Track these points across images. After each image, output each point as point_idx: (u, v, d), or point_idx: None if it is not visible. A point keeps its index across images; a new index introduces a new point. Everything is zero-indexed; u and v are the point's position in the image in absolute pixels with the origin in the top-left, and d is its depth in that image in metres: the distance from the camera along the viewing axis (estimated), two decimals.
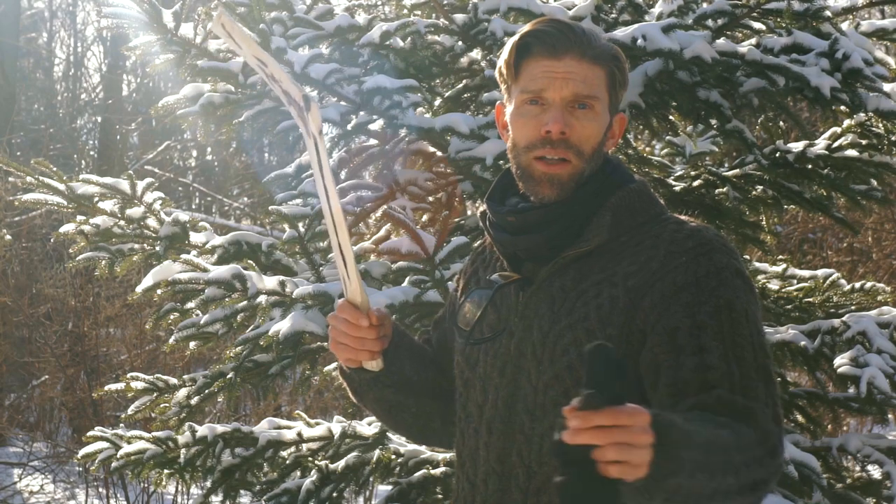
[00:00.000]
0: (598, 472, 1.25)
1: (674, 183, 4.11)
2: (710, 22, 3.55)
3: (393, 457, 3.74)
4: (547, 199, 1.63)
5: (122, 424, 4.89)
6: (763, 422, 1.47)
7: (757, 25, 3.72)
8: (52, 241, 9.14)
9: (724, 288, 1.54)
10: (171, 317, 3.46)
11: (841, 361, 3.52)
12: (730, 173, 4.03)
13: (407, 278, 3.32)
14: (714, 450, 1.37)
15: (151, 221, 3.55)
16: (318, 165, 1.58)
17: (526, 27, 1.66)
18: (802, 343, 3.72)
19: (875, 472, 3.93)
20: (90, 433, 3.78)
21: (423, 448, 3.83)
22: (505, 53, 1.68)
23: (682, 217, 1.68)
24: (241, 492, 3.86)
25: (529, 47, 1.64)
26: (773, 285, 4.28)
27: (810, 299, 4.17)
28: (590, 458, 1.25)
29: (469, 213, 3.94)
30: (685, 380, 1.49)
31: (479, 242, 1.88)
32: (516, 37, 1.66)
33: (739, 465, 1.40)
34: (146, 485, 7.24)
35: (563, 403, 1.50)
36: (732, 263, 1.57)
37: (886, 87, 3.56)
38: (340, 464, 3.71)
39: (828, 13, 3.59)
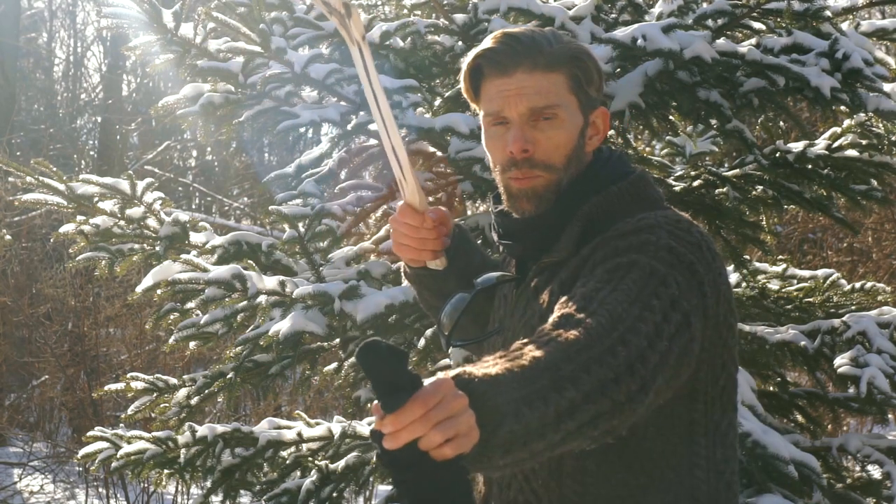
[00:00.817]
0: (434, 460, 1.16)
1: (674, 183, 4.11)
2: (710, 22, 3.55)
3: None
4: (527, 213, 1.64)
5: (122, 424, 4.89)
6: (598, 327, 1.36)
7: (757, 25, 3.72)
8: (52, 241, 9.13)
9: (646, 257, 1.47)
10: (171, 317, 3.46)
11: (841, 361, 3.52)
12: (730, 173, 4.03)
13: None
14: (532, 375, 1.26)
15: (151, 221, 3.55)
16: (364, 72, 1.53)
17: (478, 48, 1.64)
18: (802, 343, 3.72)
19: (875, 472, 3.93)
20: (90, 433, 3.78)
21: None
22: (461, 79, 1.67)
23: (662, 213, 1.62)
24: (241, 492, 3.86)
25: (481, 69, 1.63)
26: (773, 285, 4.28)
27: (810, 299, 4.18)
28: (419, 452, 1.15)
29: (469, 213, 3.95)
30: (577, 295, 1.44)
31: (458, 303, 1.89)
32: (469, 59, 1.64)
33: (574, 374, 1.29)
34: (146, 485, 7.24)
35: None
36: (663, 241, 1.50)
37: (886, 87, 3.56)
38: (340, 464, 3.71)
39: (828, 13, 3.60)
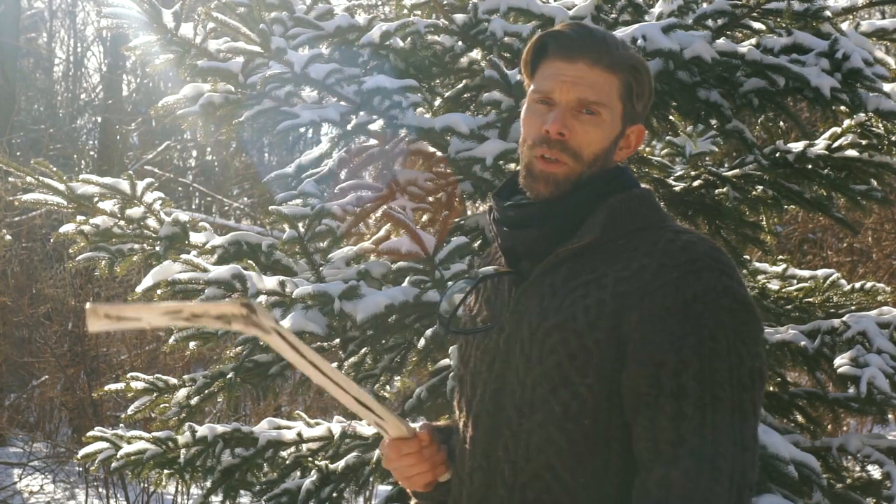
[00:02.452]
0: None
1: (674, 183, 4.11)
2: (710, 22, 3.55)
3: None
4: (541, 196, 1.65)
5: (122, 424, 4.89)
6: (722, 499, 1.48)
7: (757, 25, 3.72)
8: (52, 241, 9.14)
9: (708, 314, 1.52)
10: None
11: (841, 361, 3.52)
12: (730, 173, 4.03)
13: (407, 278, 3.32)
14: None
15: (151, 221, 3.55)
16: (294, 353, 1.48)
17: (549, 30, 1.69)
18: (802, 343, 3.72)
19: (875, 472, 3.93)
20: (90, 433, 3.78)
21: None
22: (525, 52, 1.70)
23: (682, 227, 1.67)
24: (241, 492, 3.86)
25: (546, 48, 1.67)
26: (773, 285, 4.28)
27: (810, 299, 4.18)
28: None
29: (469, 213, 3.95)
30: (662, 427, 1.50)
31: (486, 251, 1.89)
32: (536, 36, 1.68)
33: None
34: (146, 485, 7.24)
35: (551, 401, 1.56)
36: (722, 282, 1.55)
37: (886, 87, 3.56)
38: (340, 464, 3.71)
39: (828, 13, 3.60)
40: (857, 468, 4.04)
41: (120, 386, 3.76)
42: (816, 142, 3.93)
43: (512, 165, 3.44)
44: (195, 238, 3.56)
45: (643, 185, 1.72)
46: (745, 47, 3.53)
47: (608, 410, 1.55)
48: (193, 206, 13.89)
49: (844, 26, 3.75)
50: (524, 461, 1.59)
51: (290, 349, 1.47)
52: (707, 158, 4.33)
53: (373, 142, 3.64)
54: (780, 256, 4.79)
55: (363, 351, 3.77)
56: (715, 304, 1.53)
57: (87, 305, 1.33)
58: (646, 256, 1.58)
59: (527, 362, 1.61)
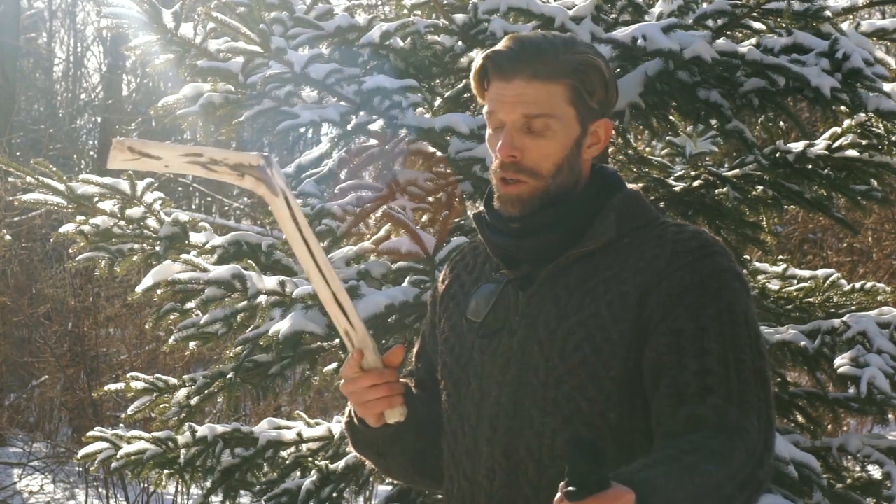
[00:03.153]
0: None
1: (674, 183, 4.11)
2: (710, 22, 3.55)
3: None
4: (513, 215, 1.67)
5: (122, 424, 4.89)
6: (753, 439, 1.52)
7: (757, 25, 3.72)
8: (52, 241, 9.13)
9: (725, 290, 1.59)
10: (171, 317, 3.46)
11: (841, 361, 3.52)
12: (730, 173, 4.03)
13: (407, 278, 3.32)
14: (704, 493, 1.44)
15: (151, 221, 3.55)
16: (293, 223, 1.50)
17: (489, 50, 1.69)
18: (802, 343, 3.72)
19: (875, 472, 3.93)
20: (90, 433, 3.78)
21: None
22: (471, 77, 1.72)
23: (679, 221, 1.73)
24: (241, 492, 3.86)
25: (486, 70, 1.68)
26: (773, 285, 4.27)
27: (810, 299, 4.17)
28: None
29: (469, 213, 3.95)
30: (686, 382, 1.54)
31: (454, 250, 1.89)
32: (477, 59, 1.69)
33: (733, 491, 1.48)
34: (146, 485, 7.23)
35: (577, 398, 1.58)
36: (732, 266, 1.63)
37: (886, 87, 3.56)
38: (340, 464, 3.71)
39: (828, 13, 3.59)
40: (857, 468, 4.04)
41: (120, 386, 3.75)
42: (816, 142, 3.93)
43: None
44: (195, 238, 3.56)
45: (629, 185, 1.76)
46: (745, 47, 3.53)
47: (631, 402, 1.59)
48: (193, 206, 13.88)
49: (844, 26, 3.75)
50: (549, 459, 1.60)
51: (290, 219, 1.48)
52: (707, 158, 4.33)
53: (373, 142, 3.64)
54: (780, 256, 4.78)
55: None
56: (729, 283, 1.60)
57: (114, 140, 1.36)
58: (658, 248, 1.63)
59: (547, 362, 1.62)
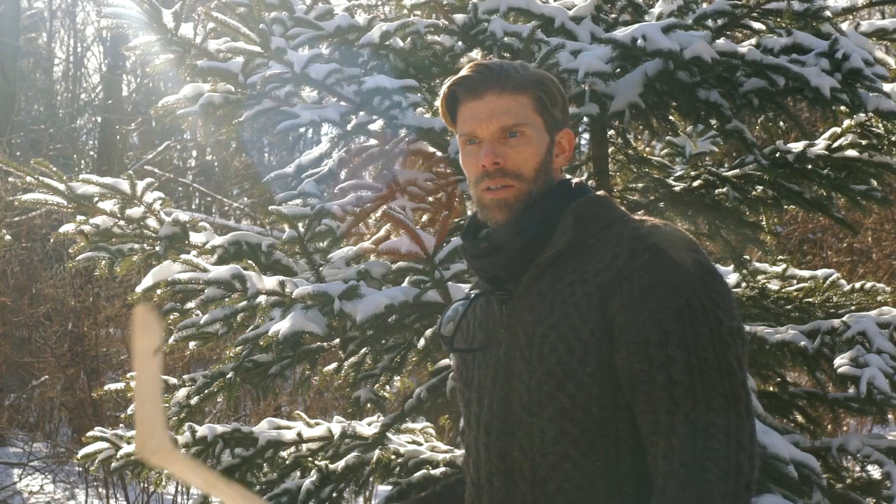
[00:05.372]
0: None
1: (674, 183, 4.11)
2: (710, 22, 3.55)
3: (393, 457, 3.74)
4: (500, 222, 1.77)
5: (122, 424, 4.88)
6: (722, 456, 1.56)
7: (757, 25, 3.72)
8: (52, 241, 9.13)
9: (682, 286, 1.64)
10: (171, 317, 3.46)
11: (841, 361, 3.52)
12: (730, 173, 4.03)
13: (407, 278, 3.32)
14: None
15: (151, 221, 3.55)
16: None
17: (452, 77, 1.80)
18: (802, 343, 3.72)
19: (875, 472, 3.93)
20: (90, 433, 3.78)
21: (422, 448, 3.83)
22: (439, 105, 1.83)
23: (644, 217, 1.80)
24: None
25: (456, 95, 1.79)
26: (773, 285, 4.27)
27: (810, 299, 4.17)
28: None
29: (469, 213, 3.95)
30: (657, 397, 1.61)
31: (473, 284, 2.01)
32: (444, 88, 1.80)
33: None
34: (146, 485, 7.24)
35: (559, 396, 1.67)
36: (690, 256, 1.68)
37: (886, 87, 3.56)
38: (340, 464, 3.71)
39: (828, 13, 3.59)
40: (857, 468, 4.04)
41: (120, 386, 3.75)
42: (816, 142, 3.93)
43: None
44: (195, 238, 3.56)
45: (598, 192, 1.84)
46: (745, 47, 3.53)
47: (612, 394, 1.66)
48: (193, 206, 13.89)
49: (844, 26, 3.75)
50: (541, 456, 1.70)
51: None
52: (707, 158, 4.33)
53: (373, 142, 3.64)
54: (780, 256, 4.78)
55: (363, 351, 3.77)
56: (687, 276, 1.65)
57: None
58: (617, 246, 1.70)
59: (529, 366, 1.72)
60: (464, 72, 1.79)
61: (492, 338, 1.81)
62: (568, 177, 1.86)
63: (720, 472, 1.54)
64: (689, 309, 1.63)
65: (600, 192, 1.83)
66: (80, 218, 3.52)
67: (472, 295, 1.87)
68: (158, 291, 3.25)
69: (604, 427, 1.66)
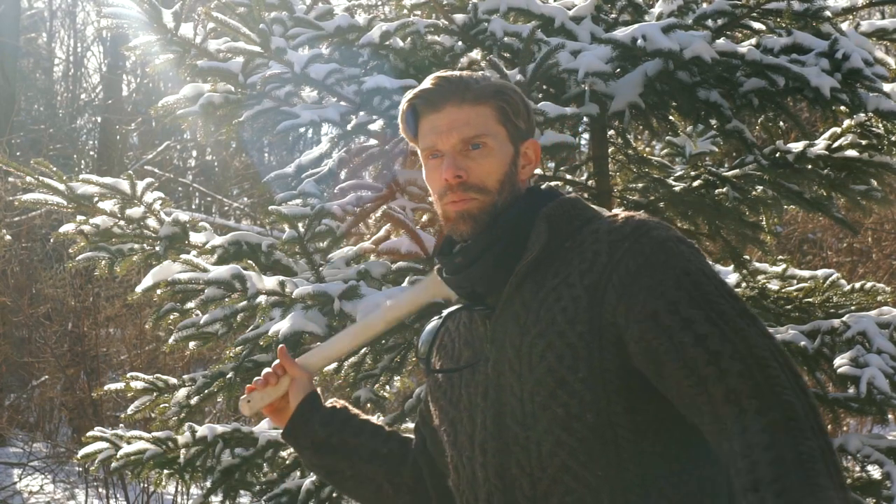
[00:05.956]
0: None
1: (674, 183, 4.11)
2: (710, 22, 3.55)
3: None
4: (465, 235, 1.73)
5: (121, 424, 4.89)
6: (787, 385, 1.50)
7: (757, 25, 3.72)
8: (52, 241, 9.14)
9: (673, 258, 1.61)
10: (171, 317, 3.46)
11: (841, 361, 3.52)
12: (730, 173, 4.03)
13: (407, 278, 3.32)
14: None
15: (151, 221, 3.55)
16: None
17: (411, 91, 1.77)
18: (802, 343, 3.72)
19: (875, 472, 3.93)
20: (90, 433, 3.77)
21: None
22: (399, 119, 1.78)
23: (616, 212, 1.76)
24: (241, 492, 3.86)
25: (416, 108, 1.76)
26: (773, 285, 4.27)
27: (810, 299, 4.17)
28: None
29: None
30: (692, 356, 1.53)
31: (430, 331, 1.96)
32: (404, 102, 1.77)
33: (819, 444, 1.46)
34: (146, 485, 7.24)
35: (551, 405, 1.61)
36: (671, 234, 1.65)
37: (886, 87, 3.56)
38: None
39: (828, 13, 3.59)
40: (857, 468, 4.04)
41: (120, 386, 3.75)
42: (816, 142, 3.93)
43: None
44: (195, 238, 3.56)
45: (570, 195, 1.80)
46: (745, 47, 3.53)
47: (606, 399, 1.60)
48: (193, 206, 13.89)
49: (844, 26, 3.75)
50: (539, 471, 1.63)
51: None
52: (707, 158, 4.33)
53: (373, 142, 3.64)
54: (780, 256, 4.78)
55: (363, 351, 3.77)
56: (673, 249, 1.62)
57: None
58: (595, 243, 1.66)
59: (519, 378, 1.66)
60: (423, 85, 1.75)
61: (479, 354, 1.75)
62: (535, 185, 1.82)
63: (791, 393, 1.48)
64: (687, 275, 1.59)
65: (571, 195, 1.78)
66: (80, 218, 3.52)
67: (445, 313, 1.80)
68: (158, 291, 3.25)
69: (601, 435, 1.60)
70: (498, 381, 1.69)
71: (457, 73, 1.76)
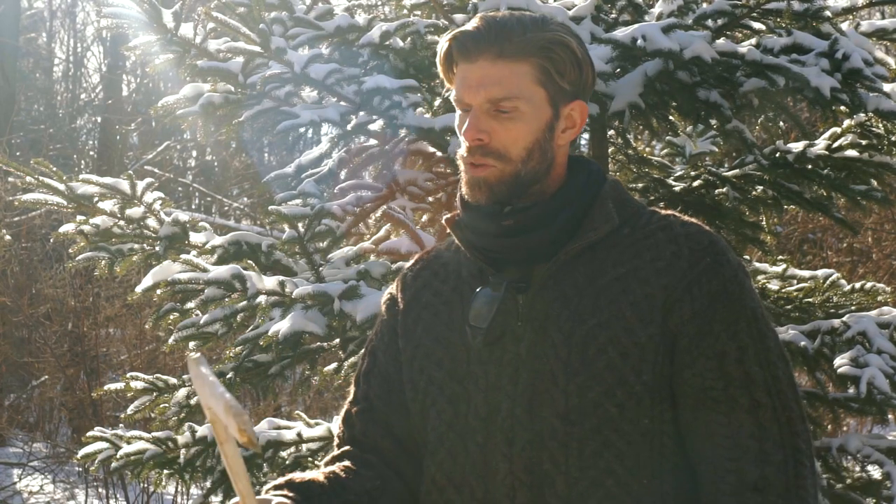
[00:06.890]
0: None
1: (674, 183, 4.11)
2: (710, 22, 3.55)
3: None
4: (477, 202, 1.59)
5: (121, 424, 4.89)
6: (810, 486, 1.54)
7: (757, 25, 3.72)
8: (51, 241, 9.13)
9: (745, 295, 1.59)
10: (171, 317, 3.46)
11: (841, 361, 3.52)
12: (730, 173, 4.03)
13: None
14: None
15: (151, 221, 3.55)
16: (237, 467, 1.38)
17: (453, 31, 1.61)
18: (802, 343, 3.72)
19: (875, 472, 3.93)
20: (90, 433, 3.77)
21: None
22: (437, 62, 1.64)
23: (654, 209, 1.67)
24: None
25: (451, 53, 1.60)
26: (773, 285, 4.27)
27: (810, 299, 4.17)
28: None
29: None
30: (740, 421, 1.54)
31: (408, 267, 1.82)
32: (444, 40, 1.61)
33: None
34: (146, 485, 7.24)
35: (605, 404, 1.52)
36: (738, 261, 1.61)
37: (886, 87, 3.56)
38: None
39: (828, 13, 3.59)
40: (857, 468, 4.04)
41: (120, 386, 3.75)
42: (816, 142, 3.93)
43: None
44: (195, 238, 3.56)
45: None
46: (745, 47, 3.53)
47: (660, 406, 1.54)
48: (193, 206, 13.88)
49: (844, 26, 3.75)
50: (578, 470, 1.53)
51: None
52: (707, 158, 4.33)
53: (373, 142, 3.64)
54: (780, 256, 4.78)
55: (363, 351, 3.77)
56: (743, 284, 1.59)
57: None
58: (672, 244, 1.57)
59: (566, 368, 1.54)
60: (466, 25, 1.58)
61: (502, 329, 1.57)
62: (577, 155, 1.68)
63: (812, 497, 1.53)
64: (756, 321, 1.57)
65: (611, 176, 1.68)
66: (80, 218, 3.52)
67: (502, 281, 1.59)
68: (158, 291, 3.25)
69: (650, 441, 1.53)
70: (534, 365, 1.55)
71: (506, 16, 1.57)
